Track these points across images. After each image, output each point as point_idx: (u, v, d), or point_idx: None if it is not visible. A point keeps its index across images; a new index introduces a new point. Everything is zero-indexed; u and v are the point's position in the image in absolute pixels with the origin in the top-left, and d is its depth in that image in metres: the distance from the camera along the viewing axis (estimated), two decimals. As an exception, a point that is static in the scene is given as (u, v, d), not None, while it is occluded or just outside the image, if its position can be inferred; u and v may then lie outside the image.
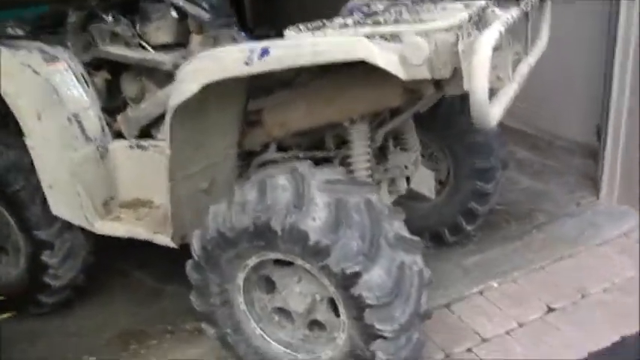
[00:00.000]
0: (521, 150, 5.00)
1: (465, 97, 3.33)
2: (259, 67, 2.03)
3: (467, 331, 2.94)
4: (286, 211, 2.11)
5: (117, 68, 3.19)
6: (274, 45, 2.01)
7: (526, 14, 2.54)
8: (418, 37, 1.92)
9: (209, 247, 2.31)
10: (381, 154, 3.03)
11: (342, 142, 2.77)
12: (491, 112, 1.93)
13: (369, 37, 1.95)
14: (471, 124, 3.26)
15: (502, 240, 3.76)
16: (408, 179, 3.04)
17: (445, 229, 3.57)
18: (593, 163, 4.37)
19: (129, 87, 3.17)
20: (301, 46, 1.97)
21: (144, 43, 3.10)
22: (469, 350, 2.83)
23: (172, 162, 2.43)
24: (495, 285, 3.29)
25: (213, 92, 2.45)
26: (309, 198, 2.14)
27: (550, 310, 3.07)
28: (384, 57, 1.90)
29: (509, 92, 2.20)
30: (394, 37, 1.98)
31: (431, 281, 2.29)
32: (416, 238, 2.27)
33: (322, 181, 2.22)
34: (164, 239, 2.74)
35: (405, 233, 2.24)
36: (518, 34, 2.54)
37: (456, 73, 2.27)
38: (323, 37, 1.98)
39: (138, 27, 3.08)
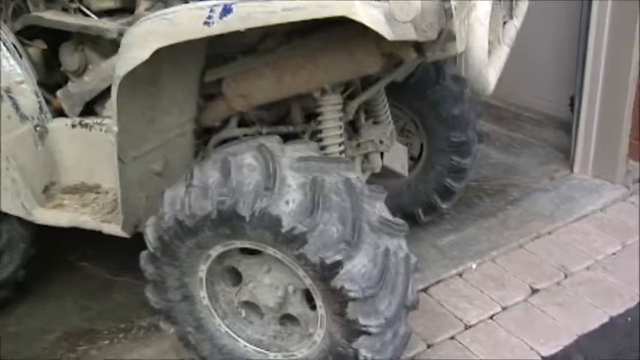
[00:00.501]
0: (486, 123, 4.81)
1: (438, 65, 3.16)
2: (221, 27, 1.74)
3: (448, 317, 2.74)
4: (255, 194, 1.84)
5: (55, 38, 2.83)
6: (239, 1, 1.72)
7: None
8: (407, -12, 1.64)
9: (166, 237, 2.02)
10: (352, 129, 2.78)
11: (311, 116, 2.50)
12: (489, 76, 1.69)
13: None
14: (445, 95, 3.14)
15: (477, 217, 3.58)
16: (382, 155, 2.79)
17: (419, 208, 3.35)
18: (564, 135, 4.24)
19: (69, 58, 2.82)
20: (271, 3, 1.68)
21: (84, 9, 2.76)
22: (452, 338, 2.63)
23: (121, 140, 2.12)
24: (474, 266, 3.09)
25: (166, 59, 2.15)
26: (280, 178, 1.87)
27: (534, 291, 2.89)
28: (367, 13, 1.63)
29: (501, 55, 1.98)
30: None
31: (417, 268, 2.06)
32: (399, 220, 2.03)
33: (294, 158, 1.96)
34: (114, 228, 2.43)
35: (389, 215, 1.99)
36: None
37: (441, 36, 2.04)
38: (295, -10, 1.69)
39: (78, -10, 2.73)
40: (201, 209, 1.91)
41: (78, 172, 2.81)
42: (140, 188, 2.35)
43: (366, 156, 2.75)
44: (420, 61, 2.28)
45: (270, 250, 1.94)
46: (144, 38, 1.85)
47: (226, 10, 1.72)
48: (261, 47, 2.32)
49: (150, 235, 2.08)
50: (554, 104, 4.41)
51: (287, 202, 1.82)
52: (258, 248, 1.99)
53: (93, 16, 2.71)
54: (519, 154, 4.38)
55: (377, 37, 2.06)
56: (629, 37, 3.47)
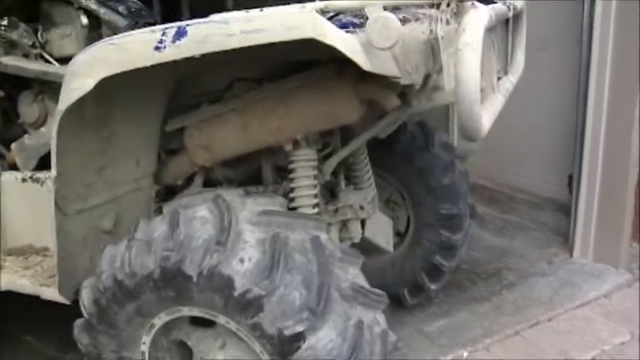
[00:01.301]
0: (479, 205, 4.57)
1: (426, 131, 2.95)
2: (174, 52, 1.52)
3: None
4: (205, 250, 1.56)
5: (14, 88, 2.62)
6: (194, 24, 1.50)
7: (506, 22, 2.13)
8: (387, 12, 1.43)
9: (103, 301, 1.72)
10: (329, 193, 2.52)
11: (283, 177, 2.24)
12: (482, 117, 1.45)
13: (322, 12, 1.46)
14: (434, 163, 2.91)
15: (468, 302, 3.27)
16: (363, 223, 2.52)
17: (404, 288, 3.04)
18: (562, 217, 3.98)
19: (27, 109, 2.59)
20: (229, 23, 1.46)
21: (46, 55, 2.56)
22: None
23: (61, 188, 1.85)
24: (466, 354, 2.76)
25: (119, 100, 1.93)
26: (236, 233, 1.59)
27: (533, 384, 2.55)
28: (340, 36, 1.41)
29: (495, 103, 1.75)
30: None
31: (397, 347, 1.75)
32: (377, 290, 1.73)
33: (255, 212, 1.69)
34: (51, 293, 2.12)
35: (364, 282, 1.70)
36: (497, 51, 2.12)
37: (428, 81, 1.83)
38: (259, 12, 1.47)
39: (40, 34, 2.54)
40: (142, 267, 1.62)
41: (25, 233, 2.52)
42: (84, 247, 2.06)
43: (344, 224, 2.47)
44: (404, 113, 2.06)
45: (222, 320, 1.64)
46: (89, 66, 1.63)
47: (180, 34, 1.50)
48: (229, 94, 2.10)
49: (85, 299, 1.77)
50: (551, 185, 4.18)
51: (241, 261, 1.54)
52: (208, 317, 1.68)
53: (55, 62, 2.50)
54: (514, 237, 4.12)
55: (355, 81, 1.87)
56: (629, 112, 3.29)
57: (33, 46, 2.53)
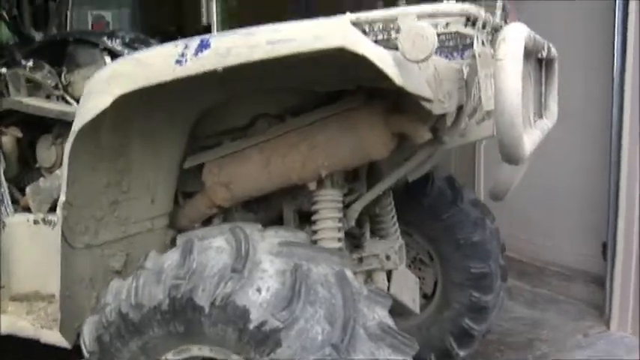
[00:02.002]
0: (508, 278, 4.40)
1: (455, 186, 2.83)
2: (195, 66, 1.44)
3: None
4: (219, 278, 1.42)
5: (34, 132, 2.58)
6: (218, 36, 1.43)
7: (539, 65, 2.05)
8: (421, 22, 1.35)
9: (105, 337, 1.57)
10: (354, 243, 2.37)
11: (306, 219, 2.12)
12: (524, 136, 1.33)
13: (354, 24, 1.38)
14: (463, 219, 2.77)
15: (499, 374, 3.03)
16: (389, 276, 2.36)
17: (431, 354, 2.84)
18: (596, 289, 3.78)
19: (45, 153, 2.54)
20: (253, 34, 1.39)
21: (68, 97, 2.53)
22: None
23: (69, 217, 1.75)
24: None
25: (139, 129, 1.85)
26: (253, 261, 1.46)
27: None
28: (370, 46, 1.32)
29: (533, 136, 1.63)
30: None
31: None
32: (407, 335, 1.56)
33: (275, 243, 1.56)
34: (52, 336, 1.98)
35: (392, 324, 1.54)
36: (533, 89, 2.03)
37: (460, 114, 1.73)
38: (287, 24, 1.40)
39: (63, 76, 2.51)
40: (150, 298, 1.48)
41: (33, 279, 2.40)
42: (90, 286, 1.92)
43: (369, 274, 2.32)
44: (434, 151, 1.94)
45: (235, 358, 1.47)
46: (106, 83, 1.55)
47: (203, 46, 1.43)
48: (251, 131, 2.01)
49: (86, 336, 1.63)
50: (583, 255, 4.00)
51: (258, 290, 1.40)
52: (221, 357, 1.51)
53: (75, 104, 2.46)
54: (545, 309, 3.91)
55: (385, 113, 1.77)
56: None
57: (56, 87, 2.51)
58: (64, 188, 1.69)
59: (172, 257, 1.54)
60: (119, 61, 1.59)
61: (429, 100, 1.50)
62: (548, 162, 3.82)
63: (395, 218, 2.49)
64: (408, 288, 2.62)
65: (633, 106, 3.31)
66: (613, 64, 3.48)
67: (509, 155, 1.31)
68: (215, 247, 1.53)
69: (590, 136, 3.78)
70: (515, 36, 1.28)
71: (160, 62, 1.48)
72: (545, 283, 4.25)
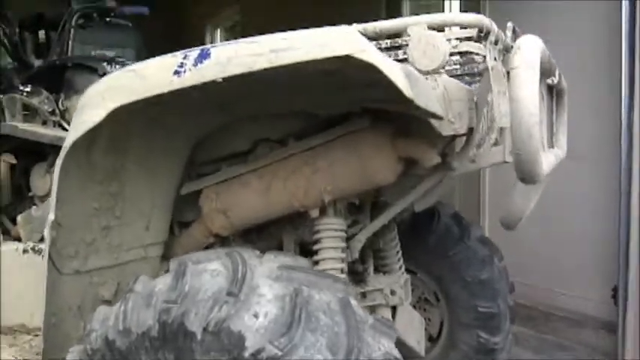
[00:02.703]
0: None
1: (462, 223, 2.73)
2: (194, 77, 1.36)
3: None
4: (213, 302, 1.32)
5: (29, 160, 2.51)
6: (220, 45, 1.37)
7: (551, 89, 1.98)
8: (432, 31, 1.28)
9: (89, 367, 1.45)
10: (356, 279, 2.27)
11: (307, 251, 2.02)
12: (541, 152, 1.25)
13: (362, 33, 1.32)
14: (470, 256, 2.67)
15: (508, 422, 2.86)
16: (394, 313, 2.24)
17: (436, 399, 2.69)
18: (606, 336, 3.65)
19: (39, 181, 2.47)
20: (257, 42, 1.32)
21: (64, 123, 2.47)
22: None
23: (58, 240, 1.65)
24: None
25: (134, 154, 1.77)
26: (251, 286, 1.36)
27: None
28: (380, 56, 1.25)
29: (548, 159, 1.55)
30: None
31: None
32: (414, 369, 1.45)
33: (274, 267, 1.46)
34: (35, 369, 1.85)
35: (399, 357, 1.43)
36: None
37: (471, 138, 1.66)
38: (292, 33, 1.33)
39: (61, 102, 2.46)
40: (139, 323, 1.38)
41: (19, 312, 2.29)
42: (79, 315, 1.81)
43: (372, 311, 2.20)
44: (443, 178, 1.85)
45: (228, 393, 1.36)
46: (101, 97, 1.48)
47: (203, 56, 1.36)
48: (252, 156, 1.94)
49: (70, 366, 1.51)
50: (592, 300, 3.88)
51: (255, 315, 1.29)
52: (212, 390, 1.40)
53: (71, 129, 2.40)
54: (553, 356, 3.78)
55: (392, 136, 1.70)
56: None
57: (53, 113, 2.45)
58: (53, 207, 1.60)
59: (164, 281, 1.44)
60: (114, 73, 1.52)
61: (439, 118, 1.43)
62: (556, 203, 3.73)
63: (400, 253, 2.39)
64: (413, 328, 2.50)
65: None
66: (621, 105, 3.44)
67: (526, 172, 1.23)
68: (210, 271, 1.43)
69: (599, 178, 3.71)
70: (531, 44, 1.22)
71: (158, 74, 1.41)
72: (552, 329, 4.13)
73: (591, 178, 3.76)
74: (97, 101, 1.48)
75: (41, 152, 2.44)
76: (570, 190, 3.76)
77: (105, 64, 2.46)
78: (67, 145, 1.54)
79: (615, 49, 3.50)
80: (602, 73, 3.67)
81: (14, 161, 2.45)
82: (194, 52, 1.37)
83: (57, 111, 2.45)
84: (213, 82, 1.35)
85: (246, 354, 1.26)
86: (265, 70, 1.30)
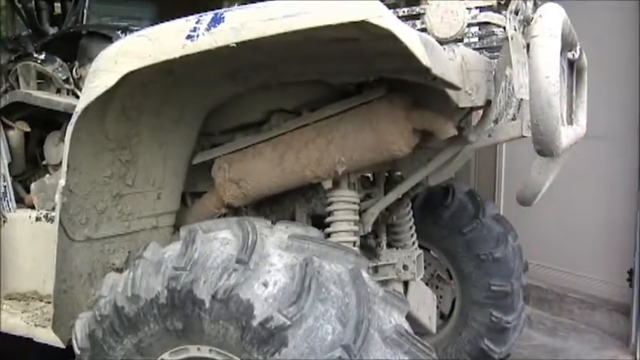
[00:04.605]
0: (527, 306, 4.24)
1: (477, 200, 2.70)
2: (208, 41, 1.33)
3: None
4: (222, 270, 1.30)
5: (44, 129, 2.51)
6: (233, 9, 1.34)
7: (571, 64, 1.93)
8: (449, -2, 1.24)
9: (98, 333, 1.46)
10: (369, 254, 2.25)
11: (320, 223, 2.00)
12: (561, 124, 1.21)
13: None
14: (485, 234, 2.63)
15: (519, 401, 2.86)
16: (406, 287, 2.23)
17: (447, 377, 2.68)
18: (620, 318, 3.61)
19: (53, 150, 2.47)
20: (270, 7, 1.28)
21: (78, 91, 2.45)
22: None
23: (69, 205, 1.64)
24: None
25: (148, 123, 1.76)
26: (261, 255, 1.34)
27: None
28: (396, 22, 1.21)
29: (567, 133, 1.51)
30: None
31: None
32: (426, 343, 1.43)
33: (285, 237, 1.44)
34: (46, 334, 1.86)
35: (410, 330, 1.41)
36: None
37: (488, 111, 1.62)
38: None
39: (75, 70, 2.44)
40: (147, 290, 1.37)
41: (32, 279, 2.30)
42: (89, 282, 1.81)
43: (384, 285, 2.17)
44: (459, 151, 1.82)
45: (236, 361, 1.35)
46: (113, 61, 1.46)
47: (216, 20, 1.33)
48: (266, 127, 1.91)
49: (78, 332, 1.51)
50: (606, 283, 3.82)
51: (264, 284, 1.28)
52: (220, 359, 1.39)
53: (85, 97, 2.38)
54: (567, 337, 3.73)
55: (407, 107, 1.66)
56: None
57: (67, 81, 2.43)
58: (64, 172, 1.59)
59: (173, 248, 1.43)
60: (127, 38, 1.50)
61: (456, 88, 1.40)
62: (573, 184, 3.68)
63: (413, 229, 2.36)
64: (424, 304, 2.49)
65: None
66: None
67: (545, 143, 1.19)
68: (220, 239, 1.42)
69: (616, 159, 3.64)
70: (554, 12, 1.17)
71: (170, 38, 1.38)
72: (566, 311, 4.08)
73: (609, 159, 3.69)
74: (110, 65, 1.46)
75: (55, 121, 2.43)
76: (588, 171, 3.70)
77: (119, 32, 2.44)
78: (78, 110, 1.52)
79: (635, 30, 3.42)
80: (622, 53, 3.58)
81: (28, 129, 2.45)
82: (208, 17, 1.34)
83: (71, 79, 2.43)
84: (227, 48, 1.32)
85: (255, 322, 1.25)
86: (279, 35, 1.26)
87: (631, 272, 3.45)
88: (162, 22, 1.47)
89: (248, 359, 1.30)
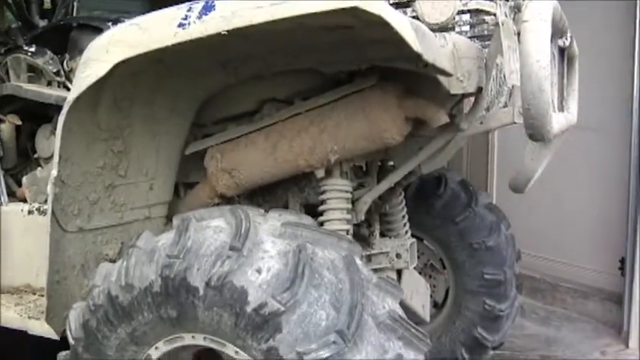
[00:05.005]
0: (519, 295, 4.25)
1: (469, 189, 2.71)
2: (199, 29, 1.33)
3: None
4: (216, 257, 1.31)
5: (35, 124, 2.50)
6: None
7: (562, 52, 1.94)
8: (441, -19, 1.24)
9: (92, 323, 1.46)
10: (363, 243, 2.25)
11: (313, 212, 2.00)
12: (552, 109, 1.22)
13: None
14: (477, 223, 2.64)
15: (512, 390, 2.88)
16: (399, 276, 2.23)
17: (441, 365, 2.69)
18: (613, 307, 3.63)
19: (44, 143, 2.46)
20: (260, -5, 1.28)
21: (69, 84, 2.44)
22: None
23: (61, 196, 1.64)
24: None
25: (141, 114, 1.75)
26: (254, 242, 1.35)
27: None
28: (387, 8, 1.21)
29: (559, 119, 1.52)
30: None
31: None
32: (420, 329, 1.44)
33: (277, 224, 1.44)
34: (40, 326, 1.86)
35: (404, 316, 1.41)
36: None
37: (480, 99, 1.63)
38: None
39: (65, 63, 2.43)
40: (141, 278, 1.37)
41: (25, 272, 2.29)
42: (82, 273, 1.81)
43: (378, 273, 2.18)
44: (450, 139, 1.82)
45: (230, 350, 1.35)
46: (105, 50, 1.46)
47: (207, 8, 1.33)
48: (258, 116, 1.91)
49: (72, 322, 1.51)
50: (598, 272, 3.85)
51: (258, 271, 1.28)
52: (215, 347, 1.39)
53: (76, 90, 2.37)
54: (560, 327, 3.76)
55: (399, 95, 1.67)
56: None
57: (57, 73, 2.42)
58: (56, 163, 1.58)
59: (167, 237, 1.43)
60: (119, 26, 1.50)
61: (447, 74, 1.40)
62: (565, 173, 3.70)
63: (406, 218, 2.37)
64: (418, 293, 2.49)
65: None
66: (633, 76, 3.37)
67: (536, 127, 1.20)
68: (213, 227, 1.42)
69: (608, 148, 3.65)
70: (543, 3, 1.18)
71: (162, 26, 1.38)
72: (559, 300, 4.11)
73: (601, 149, 3.71)
74: (101, 55, 1.46)
75: (46, 114, 2.42)
76: (580, 161, 3.72)
77: (110, 24, 2.43)
78: (70, 100, 1.52)
79: (629, 22, 3.43)
80: (615, 44, 3.59)
81: (19, 122, 2.43)
82: (199, 5, 1.34)
83: (62, 72, 2.42)
84: (218, 36, 1.32)
85: (249, 309, 1.25)
86: (268, 23, 1.26)
87: (623, 261, 3.47)
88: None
89: (242, 346, 1.31)
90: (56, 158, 1.58)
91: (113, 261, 1.87)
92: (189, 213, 1.51)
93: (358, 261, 1.43)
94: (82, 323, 1.48)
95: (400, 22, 1.21)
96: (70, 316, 1.53)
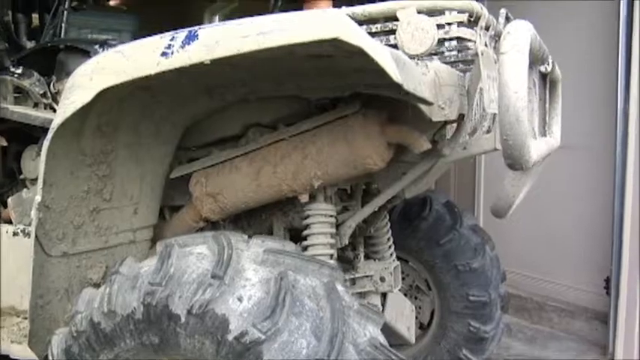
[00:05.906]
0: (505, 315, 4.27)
1: (454, 211, 2.73)
2: (182, 59, 1.35)
3: None
4: (197, 285, 1.31)
5: (21, 143, 2.50)
6: (207, 27, 1.35)
7: (544, 77, 1.97)
8: (421, 15, 1.27)
9: (74, 349, 1.46)
10: (347, 267, 2.26)
11: (298, 236, 2.01)
12: (530, 139, 1.24)
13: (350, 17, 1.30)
14: (462, 244, 2.66)
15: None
16: (384, 300, 2.24)
17: (426, 387, 2.70)
18: (599, 326, 3.65)
19: (30, 164, 2.45)
20: (244, 25, 1.30)
21: (55, 106, 2.45)
22: None
23: (45, 221, 1.64)
24: None
25: (125, 140, 1.76)
26: (236, 269, 1.35)
27: None
28: (367, 39, 1.23)
29: (539, 146, 1.54)
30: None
31: None
32: (400, 355, 1.45)
33: (260, 251, 1.45)
34: (22, 351, 1.85)
35: (385, 342, 1.42)
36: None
37: (461, 124, 1.65)
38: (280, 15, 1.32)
39: (52, 85, 2.44)
40: (123, 305, 1.37)
41: (9, 294, 2.28)
42: (66, 298, 1.80)
43: (362, 297, 2.20)
44: (433, 164, 1.84)
45: (212, 376, 1.36)
46: (89, 78, 1.47)
47: (190, 37, 1.34)
48: (242, 141, 1.93)
49: (54, 347, 1.51)
50: (584, 291, 3.88)
51: (239, 299, 1.29)
52: (197, 373, 1.40)
53: (63, 112, 2.38)
54: (546, 346, 3.77)
55: (382, 122, 1.69)
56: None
57: (44, 95, 2.43)
58: (39, 189, 1.59)
59: (149, 263, 1.44)
60: (102, 54, 1.51)
61: (428, 103, 1.42)
62: (550, 193, 3.74)
63: (391, 240, 2.39)
64: (403, 315, 2.50)
65: (638, 137, 3.24)
66: (617, 96, 3.42)
67: (514, 158, 1.22)
68: (196, 254, 1.43)
69: (594, 168, 3.69)
70: (521, 29, 1.20)
71: (145, 55, 1.39)
72: (545, 320, 4.13)
73: (586, 169, 3.75)
74: (86, 82, 1.47)
75: (32, 135, 2.42)
76: (564, 181, 3.76)
77: (97, 46, 2.44)
78: (54, 126, 1.53)
79: (612, 40, 3.48)
80: (599, 63, 3.65)
81: (5, 143, 2.44)
82: (182, 34, 1.36)
83: (48, 93, 2.43)
84: (201, 65, 1.34)
85: (230, 337, 1.25)
86: (252, 52, 1.28)
87: (608, 280, 3.49)
88: (143, 34, 1.48)
89: (225, 373, 1.31)
90: (40, 184, 1.58)
91: (98, 285, 1.87)
92: (172, 239, 1.52)
93: (340, 287, 1.43)
94: (65, 349, 1.48)
95: (380, 53, 1.23)
96: (52, 342, 1.52)
